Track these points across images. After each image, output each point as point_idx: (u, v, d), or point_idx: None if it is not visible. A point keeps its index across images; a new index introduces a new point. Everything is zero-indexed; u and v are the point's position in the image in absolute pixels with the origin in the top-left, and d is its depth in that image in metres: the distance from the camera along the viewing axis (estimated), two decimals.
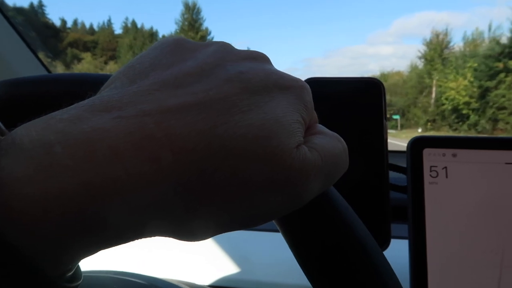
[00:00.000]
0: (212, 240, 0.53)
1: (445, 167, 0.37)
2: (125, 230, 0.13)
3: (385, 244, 0.40)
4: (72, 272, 0.14)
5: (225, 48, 0.17)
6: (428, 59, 23.94)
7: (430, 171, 0.37)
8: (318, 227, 0.18)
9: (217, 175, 0.13)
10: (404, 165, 0.39)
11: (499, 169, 0.36)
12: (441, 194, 0.37)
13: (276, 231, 0.55)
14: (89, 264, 0.45)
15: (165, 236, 0.15)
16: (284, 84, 0.17)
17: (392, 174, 0.41)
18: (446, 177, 0.37)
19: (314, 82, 0.39)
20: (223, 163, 0.13)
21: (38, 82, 0.21)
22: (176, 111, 0.13)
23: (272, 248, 0.51)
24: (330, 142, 0.17)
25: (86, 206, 0.12)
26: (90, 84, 0.21)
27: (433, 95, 22.37)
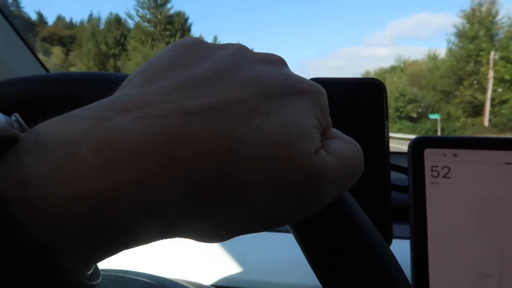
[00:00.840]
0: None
1: (446, 167, 0.37)
2: (146, 230, 0.13)
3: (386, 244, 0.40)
4: (91, 271, 0.14)
5: (242, 50, 0.17)
6: (470, 36, 17.66)
7: (431, 171, 0.37)
8: (332, 232, 0.18)
9: (237, 178, 0.14)
10: (406, 165, 0.40)
11: (500, 169, 0.37)
12: (442, 194, 0.37)
13: (282, 231, 0.55)
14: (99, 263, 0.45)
15: (185, 237, 0.15)
16: (302, 88, 0.17)
17: (394, 174, 0.41)
18: (447, 177, 0.37)
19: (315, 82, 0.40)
20: (243, 167, 0.14)
21: (47, 81, 0.22)
22: (197, 112, 0.14)
23: (277, 248, 0.52)
24: (347, 147, 0.17)
25: (111, 206, 0.12)
26: (103, 83, 0.21)
27: (490, 85, 15.84)
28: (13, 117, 0.13)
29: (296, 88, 0.16)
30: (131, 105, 0.13)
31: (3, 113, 0.13)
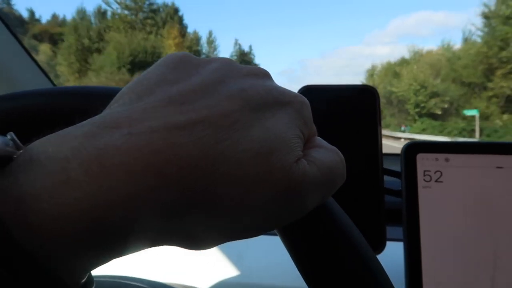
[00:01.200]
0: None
1: (439, 172, 0.38)
2: (135, 241, 0.14)
3: (381, 247, 0.41)
4: (85, 279, 0.15)
5: (228, 64, 0.18)
6: (505, 16, 14.09)
7: (424, 175, 0.38)
8: (314, 234, 0.19)
9: (220, 187, 0.14)
10: (398, 169, 0.40)
11: (491, 173, 0.37)
12: (435, 198, 0.38)
13: (276, 234, 0.56)
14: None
15: (173, 245, 0.16)
16: (284, 99, 0.17)
17: (387, 178, 0.42)
18: (440, 181, 0.38)
19: (309, 90, 0.40)
20: (225, 178, 0.14)
21: (45, 95, 0.22)
22: (182, 127, 0.14)
23: (272, 252, 0.52)
24: (328, 156, 0.18)
25: (100, 219, 0.12)
26: (96, 98, 0.22)
27: None
28: (8, 136, 0.14)
29: (279, 99, 0.17)
30: (119, 122, 0.14)
31: (11, 126, 0.14)
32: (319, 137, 0.19)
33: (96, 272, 0.38)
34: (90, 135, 0.13)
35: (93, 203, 0.12)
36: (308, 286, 0.19)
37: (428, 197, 0.38)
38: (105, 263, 0.14)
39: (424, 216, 0.37)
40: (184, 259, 0.52)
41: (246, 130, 0.15)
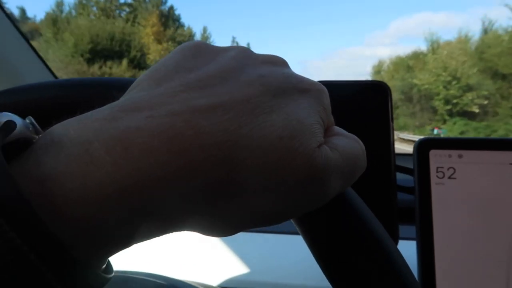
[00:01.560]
0: (224, 242, 0.53)
1: (452, 168, 0.37)
2: (157, 223, 0.14)
3: None
4: (105, 265, 0.15)
5: (245, 52, 0.18)
6: None
7: (437, 172, 0.37)
8: (335, 224, 0.18)
9: (242, 172, 0.14)
10: (411, 166, 0.40)
11: (505, 170, 0.37)
12: (448, 195, 0.37)
13: (289, 233, 0.56)
14: None
15: (193, 230, 0.16)
16: (304, 87, 0.17)
17: (399, 176, 0.41)
18: (453, 178, 0.37)
19: None
20: (247, 163, 0.14)
21: (62, 86, 0.22)
22: (203, 111, 0.14)
23: (283, 250, 0.52)
24: (350, 143, 0.18)
25: (124, 199, 0.12)
26: (112, 88, 0.22)
27: None
28: (27, 120, 0.14)
29: (298, 86, 0.17)
30: (140, 106, 0.14)
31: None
32: (337, 126, 0.19)
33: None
34: (111, 118, 0.13)
35: (116, 182, 0.12)
36: (327, 278, 0.19)
37: (441, 194, 0.37)
38: (125, 248, 0.14)
39: (437, 213, 0.37)
40: (194, 256, 0.52)
41: (267, 115, 0.15)
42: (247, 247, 0.53)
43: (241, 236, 0.58)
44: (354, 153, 0.17)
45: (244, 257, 0.51)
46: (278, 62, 0.18)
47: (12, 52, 0.71)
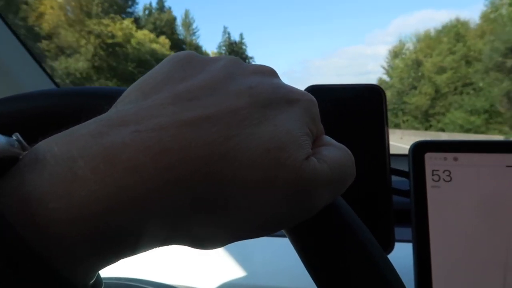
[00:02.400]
0: (225, 246, 0.53)
1: (447, 171, 0.37)
2: (144, 240, 0.14)
3: (389, 248, 0.40)
4: (94, 280, 0.14)
5: (234, 62, 0.18)
6: None
7: (432, 175, 0.37)
8: (324, 234, 0.18)
9: (230, 186, 0.14)
10: (406, 169, 0.40)
11: (500, 172, 0.37)
12: (444, 198, 0.37)
13: (283, 236, 0.56)
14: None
15: (181, 244, 0.15)
16: (292, 97, 0.17)
17: (395, 178, 0.41)
18: (448, 180, 0.37)
19: (315, 90, 0.40)
20: (236, 174, 0.14)
21: (49, 96, 0.22)
22: (190, 124, 0.14)
23: (280, 253, 0.52)
24: (338, 153, 0.17)
25: (109, 217, 0.12)
26: (101, 98, 0.22)
27: None
28: (14, 137, 0.14)
29: (287, 97, 0.17)
30: (126, 120, 0.14)
31: (4, 133, 0.14)
32: (327, 136, 0.19)
33: (103, 274, 0.38)
34: (96, 134, 0.13)
35: (101, 200, 0.12)
36: (316, 285, 0.19)
37: (437, 197, 0.37)
38: (112, 263, 0.14)
39: (433, 216, 0.37)
40: (189, 261, 0.52)
41: (255, 126, 0.15)
42: (249, 251, 0.53)
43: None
44: (343, 163, 0.17)
45: (245, 261, 0.51)
46: (267, 72, 0.18)
47: (11, 59, 0.70)
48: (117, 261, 0.14)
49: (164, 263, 0.51)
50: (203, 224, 0.14)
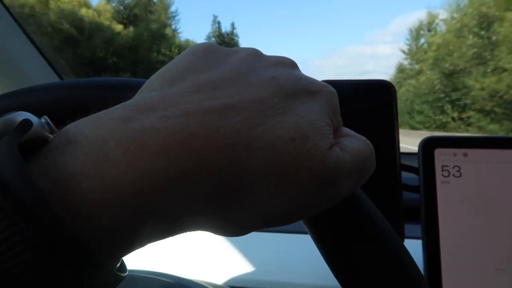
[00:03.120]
0: (231, 241, 0.54)
1: (457, 167, 0.37)
2: (171, 222, 0.14)
3: None
4: (119, 264, 0.15)
5: (255, 54, 0.18)
6: None
7: (442, 170, 0.38)
8: (345, 225, 0.19)
9: (254, 174, 0.14)
10: (416, 165, 0.40)
11: (510, 168, 0.37)
12: (453, 193, 0.37)
13: (295, 232, 0.56)
14: None
15: (205, 230, 0.16)
16: (314, 89, 0.17)
17: (404, 174, 0.41)
18: (458, 176, 0.37)
19: None
20: (261, 162, 0.14)
21: (70, 87, 0.23)
22: (216, 112, 0.14)
23: (291, 249, 0.52)
24: (359, 144, 0.18)
25: (139, 199, 0.13)
26: (120, 89, 0.22)
27: None
28: (43, 120, 0.14)
29: (309, 88, 0.17)
30: (153, 106, 0.14)
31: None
32: (346, 128, 0.19)
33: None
34: (125, 118, 0.14)
35: (131, 181, 0.13)
36: (335, 276, 0.19)
37: (446, 193, 0.37)
38: (143, 245, 0.14)
39: (442, 212, 0.37)
40: (201, 255, 0.52)
41: (279, 116, 0.15)
42: (255, 246, 0.53)
43: (249, 235, 0.58)
44: (364, 154, 0.17)
45: (251, 256, 0.51)
46: (288, 64, 0.18)
47: (18, 54, 0.71)
48: (146, 244, 0.14)
49: (174, 256, 0.52)
50: (226, 211, 0.15)
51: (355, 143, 0.18)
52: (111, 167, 0.12)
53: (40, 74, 0.76)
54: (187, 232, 0.15)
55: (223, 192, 0.14)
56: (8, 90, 0.23)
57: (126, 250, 0.14)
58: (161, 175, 0.13)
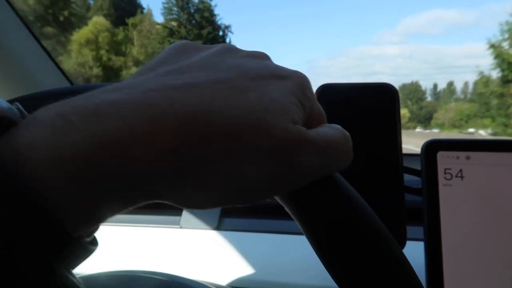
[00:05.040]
0: (229, 241, 0.54)
1: (459, 170, 0.37)
2: (131, 189, 0.14)
3: (401, 246, 0.40)
4: (91, 238, 0.15)
5: (228, 48, 0.19)
6: None
7: (444, 173, 0.38)
8: (325, 206, 0.18)
9: (215, 142, 0.15)
10: (419, 167, 0.40)
11: None
12: (456, 196, 0.37)
13: (295, 233, 0.56)
14: (110, 264, 0.47)
15: (165, 201, 0.16)
16: (282, 74, 0.18)
17: (407, 177, 0.41)
18: (461, 179, 0.37)
19: (327, 88, 0.40)
20: (220, 131, 0.15)
21: (72, 92, 0.23)
22: (179, 88, 0.15)
23: (291, 250, 0.52)
24: (331, 130, 0.18)
25: (96, 162, 0.13)
26: None
27: None
28: (14, 106, 0.15)
29: (277, 73, 0.18)
30: (121, 87, 0.15)
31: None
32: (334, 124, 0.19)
33: (113, 267, 0.39)
34: (91, 95, 0.14)
35: (89, 146, 0.13)
36: (332, 275, 0.19)
37: (449, 195, 0.37)
38: (106, 218, 0.15)
39: (445, 215, 0.37)
40: (201, 256, 0.52)
41: (242, 93, 0.16)
42: (252, 247, 0.53)
43: (249, 235, 0.58)
44: (335, 137, 0.18)
45: (251, 257, 0.51)
46: (260, 55, 0.19)
47: (27, 58, 0.72)
48: (111, 215, 0.15)
49: (173, 256, 0.52)
50: (183, 177, 0.15)
51: (327, 129, 0.18)
52: (69, 133, 0.13)
53: (51, 79, 0.77)
54: (152, 201, 0.15)
55: (182, 159, 0.14)
56: (15, 93, 0.23)
57: (89, 220, 0.14)
58: (117, 139, 0.13)
